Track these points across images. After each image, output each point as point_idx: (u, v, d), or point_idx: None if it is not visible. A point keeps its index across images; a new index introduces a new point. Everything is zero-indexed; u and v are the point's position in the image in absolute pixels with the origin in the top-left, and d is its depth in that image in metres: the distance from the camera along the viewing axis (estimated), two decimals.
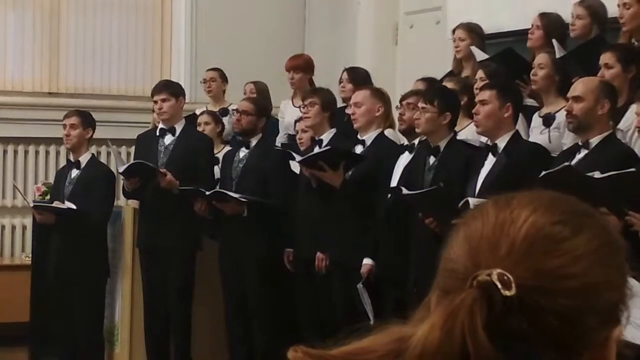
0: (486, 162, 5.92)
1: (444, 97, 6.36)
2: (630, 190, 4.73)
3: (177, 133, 7.71)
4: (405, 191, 6.04)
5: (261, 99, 8.46)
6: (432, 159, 6.28)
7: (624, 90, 5.94)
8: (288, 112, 8.65)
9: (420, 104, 6.28)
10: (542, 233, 1.32)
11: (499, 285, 1.27)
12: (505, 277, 1.28)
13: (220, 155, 8.09)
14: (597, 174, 4.92)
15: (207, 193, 7.37)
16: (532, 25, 7.27)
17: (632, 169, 4.89)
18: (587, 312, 1.30)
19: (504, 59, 7.10)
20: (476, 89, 6.63)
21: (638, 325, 3.54)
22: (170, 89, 7.82)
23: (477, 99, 6.06)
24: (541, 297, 1.29)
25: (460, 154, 6.21)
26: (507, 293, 1.27)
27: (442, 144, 6.27)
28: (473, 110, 6.04)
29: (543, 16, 7.23)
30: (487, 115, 5.89)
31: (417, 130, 6.37)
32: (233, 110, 8.34)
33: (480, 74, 6.80)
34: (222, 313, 7.75)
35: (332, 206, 6.90)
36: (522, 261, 1.30)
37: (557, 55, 6.59)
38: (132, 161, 7.93)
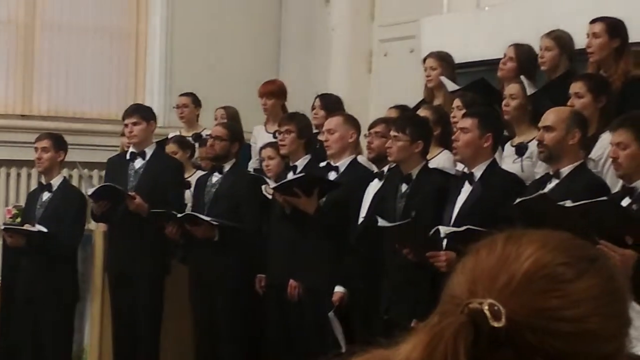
0: (462, 190, 5.93)
1: (415, 125, 6.37)
2: (601, 218, 4.76)
3: (148, 157, 7.71)
4: (381, 222, 6.03)
5: (233, 124, 8.47)
6: (404, 187, 6.29)
7: (594, 119, 5.98)
8: (261, 138, 8.65)
9: (392, 133, 6.29)
10: (544, 271, 1.32)
11: (488, 315, 1.28)
12: (496, 308, 1.29)
13: (191, 180, 8.09)
14: (568, 203, 4.95)
15: (179, 216, 7.36)
16: (505, 56, 7.32)
17: (603, 198, 4.92)
18: (577, 358, 1.30)
19: (476, 89, 7.14)
20: (453, 117, 6.66)
21: None
22: (141, 112, 7.81)
23: (457, 126, 6.07)
24: (532, 334, 1.29)
25: (432, 182, 6.22)
26: (495, 324, 1.28)
27: (414, 172, 6.28)
28: (453, 137, 6.05)
29: (516, 47, 7.29)
30: (466, 144, 5.91)
31: (389, 158, 6.38)
32: (207, 135, 8.34)
33: (457, 102, 6.83)
34: (191, 338, 7.72)
35: (305, 232, 6.89)
36: (517, 295, 1.30)
37: (528, 92, 6.63)
38: (100, 184, 7.91)
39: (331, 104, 7.97)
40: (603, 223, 4.75)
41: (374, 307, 6.32)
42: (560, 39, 7.00)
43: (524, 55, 7.22)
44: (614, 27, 6.61)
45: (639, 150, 5.05)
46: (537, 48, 7.21)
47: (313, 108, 8.04)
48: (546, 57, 7.00)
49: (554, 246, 1.35)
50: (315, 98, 8.14)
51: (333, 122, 7.03)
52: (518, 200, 5.21)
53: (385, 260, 6.24)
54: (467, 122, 5.96)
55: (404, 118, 6.71)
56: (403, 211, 6.17)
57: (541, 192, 5.31)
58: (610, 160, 5.35)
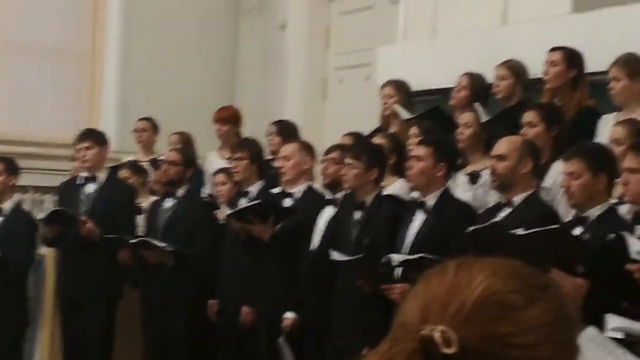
0: (415, 218, 5.95)
1: (371, 152, 6.38)
2: (552, 247, 4.79)
3: (100, 182, 7.67)
4: (333, 256, 6.02)
5: (187, 149, 8.46)
6: (357, 214, 6.29)
7: (547, 148, 6.03)
8: (215, 164, 8.64)
9: (348, 160, 6.29)
10: (495, 298, 1.33)
11: (440, 342, 1.28)
12: (448, 335, 1.29)
13: (144, 205, 8.06)
14: (520, 231, 4.98)
15: (133, 242, 7.32)
16: (458, 85, 7.38)
17: (554, 226, 4.95)
18: None
19: (431, 117, 7.18)
20: (410, 145, 6.67)
21: None
22: (94, 136, 7.78)
23: (412, 154, 6.09)
24: None
25: (386, 209, 6.23)
26: (447, 351, 1.28)
27: (368, 199, 6.29)
28: (407, 164, 6.07)
29: (469, 76, 7.36)
30: (420, 172, 5.92)
31: (344, 185, 6.37)
32: (160, 161, 8.32)
33: (414, 130, 6.86)
34: None
35: (260, 259, 6.87)
36: (469, 322, 1.31)
37: (482, 119, 6.69)
38: (52, 208, 7.86)
39: (287, 130, 7.97)
40: (554, 251, 4.78)
41: (325, 333, 6.31)
42: (515, 68, 7.08)
43: (476, 84, 7.30)
44: (572, 57, 6.69)
45: (591, 180, 5.10)
46: (492, 77, 7.28)
47: (268, 134, 8.05)
48: (501, 85, 7.08)
49: (505, 274, 1.36)
50: (271, 124, 8.14)
51: (289, 148, 7.03)
52: (470, 229, 5.23)
53: (338, 287, 6.23)
54: (422, 151, 5.98)
55: (359, 145, 6.72)
56: (357, 238, 6.17)
57: (493, 221, 5.34)
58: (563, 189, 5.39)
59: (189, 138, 8.97)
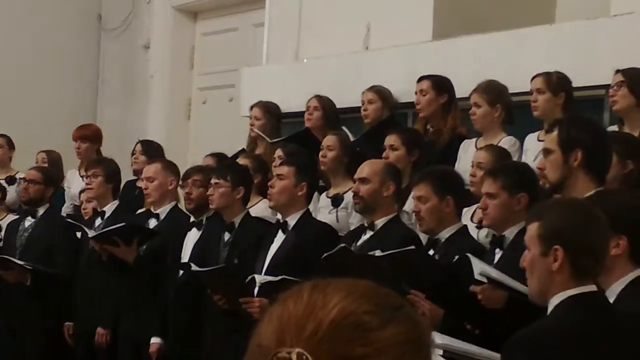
0: (275, 239, 5.97)
1: (236, 172, 6.39)
2: (409, 268, 4.86)
3: None
4: (194, 267, 6.00)
5: (51, 168, 8.32)
6: (226, 235, 6.28)
7: (407, 172, 6.14)
8: (74, 182, 8.52)
9: (214, 180, 6.28)
10: (349, 320, 1.34)
11: None
12: (304, 357, 1.30)
13: (2, 223, 7.89)
14: (377, 252, 5.04)
15: None
16: (309, 107, 7.48)
17: (411, 247, 5.03)
18: None
19: (299, 139, 7.24)
20: (275, 166, 6.70)
21: None
22: None
23: (275, 172, 6.12)
24: None
25: (253, 230, 6.23)
26: None
27: (237, 220, 6.28)
28: (269, 183, 6.10)
29: (319, 98, 7.48)
30: (281, 190, 5.96)
31: (211, 206, 6.33)
32: (20, 179, 8.16)
33: (279, 152, 6.90)
34: None
35: (121, 280, 6.78)
36: (325, 344, 1.32)
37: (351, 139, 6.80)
38: None
39: (152, 150, 7.92)
40: (412, 272, 4.85)
41: (195, 356, 6.27)
42: (381, 92, 7.20)
43: (327, 105, 7.43)
44: (440, 84, 6.83)
45: (439, 203, 5.22)
46: (355, 100, 7.39)
47: (133, 153, 7.98)
48: (369, 109, 7.19)
49: (359, 295, 1.37)
50: (137, 143, 8.07)
51: (152, 169, 6.96)
52: (324, 255, 5.27)
53: (207, 307, 6.18)
54: (284, 170, 6.02)
55: (224, 165, 6.73)
56: (227, 259, 6.15)
57: (342, 245, 5.38)
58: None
59: (56, 157, 8.83)
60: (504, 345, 3.22)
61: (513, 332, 3.79)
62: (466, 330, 4.52)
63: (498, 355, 4.02)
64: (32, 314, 7.21)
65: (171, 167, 7.03)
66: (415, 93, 6.86)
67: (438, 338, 4.02)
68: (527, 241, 3.33)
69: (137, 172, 7.62)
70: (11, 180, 8.76)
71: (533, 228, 3.29)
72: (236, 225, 6.25)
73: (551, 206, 3.45)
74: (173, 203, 6.96)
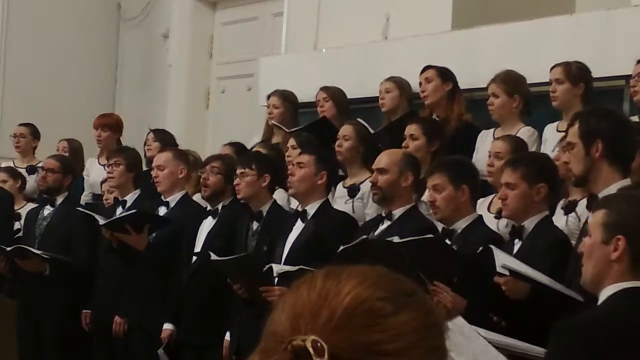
0: (294, 228, 5.97)
1: (260, 160, 6.40)
2: (426, 256, 4.86)
3: None
4: (214, 257, 6.00)
5: (71, 157, 8.34)
6: (254, 224, 6.28)
7: (426, 162, 6.13)
8: (94, 170, 8.54)
9: (239, 170, 6.28)
10: (364, 306, 1.34)
11: (311, 352, 1.29)
12: (319, 345, 1.30)
13: (22, 212, 7.92)
14: (395, 239, 5.03)
15: (8, 249, 7.18)
16: (319, 100, 7.48)
17: (429, 235, 5.02)
18: None
19: (317, 128, 7.24)
20: (288, 155, 6.71)
21: None
22: None
23: (294, 161, 6.12)
24: None
25: (282, 218, 6.23)
26: None
27: (265, 209, 6.29)
28: (289, 172, 6.10)
29: (326, 89, 7.50)
30: (301, 178, 5.95)
31: (238, 196, 6.32)
32: (38, 167, 8.19)
33: (291, 142, 6.90)
34: None
35: (133, 268, 6.80)
36: (339, 331, 1.32)
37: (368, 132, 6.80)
38: None
39: (165, 137, 7.95)
40: (429, 261, 4.85)
41: (206, 345, 6.28)
42: (399, 82, 7.18)
43: (335, 95, 7.41)
44: (445, 73, 6.84)
45: (454, 192, 5.21)
46: (373, 90, 7.39)
47: (145, 143, 7.99)
48: (386, 98, 7.18)
49: (373, 281, 1.37)
50: (148, 133, 8.09)
51: (162, 157, 6.97)
52: (341, 248, 5.26)
53: (234, 298, 6.16)
54: (305, 158, 6.03)
55: (247, 154, 6.75)
56: (255, 249, 6.16)
57: (362, 237, 5.36)
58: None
59: (77, 146, 8.85)
60: (553, 331, 3.20)
61: (539, 323, 3.78)
62: (492, 322, 4.51)
63: (533, 347, 4.03)
64: (50, 302, 7.23)
65: (182, 156, 7.03)
66: (420, 83, 6.86)
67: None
68: (590, 227, 3.32)
69: (152, 159, 7.59)
70: (32, 169, 8.78)
71: (599, 215, 3.27)
72: (264, 214, 6.25)
73: (621, 197, 3.46)
74: (183, 191, 6.96)
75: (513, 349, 4.09)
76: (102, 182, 7.79)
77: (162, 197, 6.91)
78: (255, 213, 6.27)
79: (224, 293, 6.18)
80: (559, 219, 5.25)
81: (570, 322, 3.21)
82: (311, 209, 5.96)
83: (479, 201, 5.84)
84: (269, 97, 7.93)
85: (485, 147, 6.15)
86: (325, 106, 7.48)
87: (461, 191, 5.21)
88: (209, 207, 6.68)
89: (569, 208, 5.88)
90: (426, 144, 6.28)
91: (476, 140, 6.53)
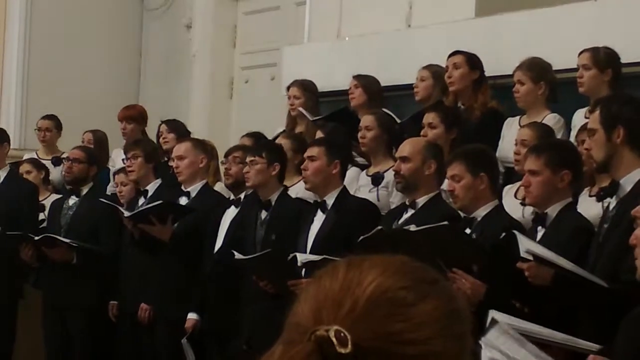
0: (315, 219, 5.96)
1: (271, 149, 6.42)
2: (443, 244, 4.85)
3: (1, 179, 7.57)
4: (237, 256, 6.00)
5: (96, 148, 8.38)
6: (263, 214, 6.30)
7: (446, 150, 6.10)
8: (119, 162, 8.56)
9: (249, 158, 6.31)
10: (386, 296, 1.34)
11: (335, 342, 1.29)
12: (342, 335, 1.29)
13: (45, 203, 7.95)
14: (412, 227, 5.03)
15: (37, 238, 7.21)
16: (351, 87, 7.45)
17: (443, 223, 5.01)
18: None
19: (339, 118, 7.23)
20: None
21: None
22: None
23: (305, 154, 6.13)
24: (378, 358, 1.30)
25: (291, 207, 6.25)
26: (342, 350, 1.29)
27: (273, 198, 6.30)
28: (302, 167, 6.10)
29: (357, 77, 7.44)
30: (315, 171, 5.96)
31: (247, 184, 6.38)
32: (63, 158, 8.21)
33: (319, 134, 6.91)
34: None
35: (156, 258, 6.81)
36: (362, 321, 1.32)
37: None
38: None
39: (179, 127, 7.97)
40: (446, 249, 4.84)
41: (230, 334, 6.29)
42: (436, 72, 7.12)
43: (367, 83, 7.37)
44: (473, 60, 6.79)
45: (473, 181, 5.20)
46: (396, 78, 7.36)
47: (159, 135, 8.00)
48: (420, 87, 7.13)
49: (395, 270, 1.37)
50: (160, 124, 8.11)
51: (182, 148, 6.99)
52: (360, 238, 5.25)
53: (245, 290, 6.19)
54: (314, 151, 6.03)
55: (258, 143, 6.76)
56: (264, 238, 6.17)
57: (378, 227, 5.36)
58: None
59: (102, 137, 8.88)
60: (623, 319, 3.19)
61: (562, 310, 3.75)
62: (515, 309, 4.50)
63: (555, 333, 4.01)
64: (77, 292, 7.25)
65: (201, 145, 7.05)
66: (448, 67, 6.82)
67: (499, 316, 4.00)
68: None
69: (169, 152, 7.58)
70: (57, 160, 8.81)
71: None
72: (273, 203, 6.26)
73: None
74: (204, 181, 6.97)
75: (536, 335, 4.07)
76: (115, 173, 7.76)
77: (183, 187, 6.92)
78: (264, 202, 6.28)
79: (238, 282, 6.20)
80: (591, 207, 5.19)
81: (637, 313, 3.19)
82: (329, 199, 5.96)
83: (506, 188, 5.83)
84: (288, 88, 7.92)
85: (511, 135, 6.12)
86: (355, 93, 7.42)
87: (479, 179, 5.20)
88: (231, 196, 6.70)
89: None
90: (445, 132, 6.26)
91: (502, 128, 6.51)
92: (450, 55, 6.84)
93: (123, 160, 7.58)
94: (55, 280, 7.37)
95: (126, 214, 6.81)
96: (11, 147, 8.06)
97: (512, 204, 5.54)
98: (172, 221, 6.72)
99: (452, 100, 6.85)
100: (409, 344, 1.32)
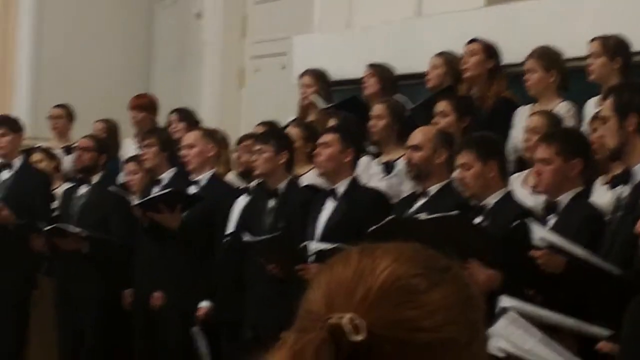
0: (325, 206, 5.98)
1: (278, 137, 6.43)
2: (453, 233, 4.85)
3: (15, 168, 7.58)
4: (247, 237, 6.02)
5: (107, 136, 8.38)
6: (271, 202, 6.30)
7: (458, 139, 6.11)
8: (130, 151, 8.57)
9: (257, 146, 6.32)
10: (399, 283, 1.33)
11: (348, 330, 1.29)
12: (356, 322, 1.29)
13: (58, 192, 7.96)
14: (422, 216, 5.03)
15: (47, 228, 7.23)
16: (365, 75, 7.44)
17: (453, 212, 5.02)
18: None
19: (348, 107, 7.23)
20: None
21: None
22: (9, 123, 7.69)
23: (319, 141, 6.13)
24: (391, 346, 1.30)
25: (299, 196, 6.26)
26: (356, 338, 1.28)
27: (281, 186, 6.31)
28: (314, 152, 6.11)
29: (371, 66, 7.43)
30: (328, 158, 5.97)
31: (255, 172, 6.39)
32: (73, 147, 8.23)
33: (332, 122, 6.91)
34: (57, 352, 7.59)
35: (166, 247, 6.83)
36: (375, 308, 1.31)
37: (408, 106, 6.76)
38: None
39: (190, 116, 7.97)
40: (456, 237, 4.84)
41: (241, 323, 6.30)
42: (448, 60, 7.10)
43: (382, 72, 7.36)
44: (490, 49, 6.79)
45: (482, 169, 5.20)
46: (406, 67, 7.34)
47: (169, 124, 8.00)
48: (432, 75, 7.12)
49: (407, 258, 1.37)
50: (170, 113, 8.11)
51: (191, 136, 7.01)
52: (371, 229, 5.25)
53: (251, 275, 6.22)
54: (328, 137, 6.04)
55: (266, 131, 6.77)
56: (271, 227, 6.18)
57: (391, 217, 5.36)
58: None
59: (114, 126, 8.88)
60: (632, 300, 3.19)
61: (574, 298, 3.75)
62: (528, 296, 4.50)
63: (566, 319, 4.02)
64: (89, 281, 7.27)
65: (211, 134, 7.06)
66: (464, 54, 6.80)
67: (508, 301, 4.00)
68: None
69: (179, 140, 7.56)
70: (69, 150, 8.83)
71: None
72: (280, 192, 6.27)
73: None
74: (212, 170, 6.98)
75: (546, 321, 4.08)
76: (125, 162, 7.76)
77: (192, 176, 6.94)
78: (272, 190, 6.29)
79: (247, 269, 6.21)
80: (604, 195, 5.19)
81: None
82: (340, 186, 5.97)
83: (514, 176, 5.82)
84: (301, 76, 7.92)
85: (523, 124, 6.12)
86: (369, 82, 7.42)
87: (489, 167, 5.20)
88: (242, 186, 6.71)
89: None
90: (456, 121, 6.26)
91: (514, 116, 6.50)
92: (468, 43, 6.84)
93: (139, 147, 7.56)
94: (68, 269, 7.38)
95: (135, 201, 6.83)
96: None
97: (520, 191, 5.54)
98: (181, 210, 6.73)
99: (466, 89, 6.85)
100: (422, 331, 1.32)
